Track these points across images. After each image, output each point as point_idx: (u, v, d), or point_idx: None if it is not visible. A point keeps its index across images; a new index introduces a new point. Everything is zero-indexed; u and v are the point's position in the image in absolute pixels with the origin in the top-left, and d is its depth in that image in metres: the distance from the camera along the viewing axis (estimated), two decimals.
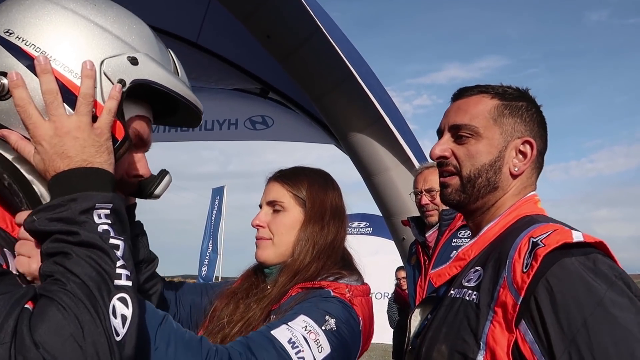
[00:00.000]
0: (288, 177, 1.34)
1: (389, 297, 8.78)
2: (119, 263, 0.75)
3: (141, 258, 1.14)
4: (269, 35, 4.22)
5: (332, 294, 1.16)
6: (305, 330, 1.05)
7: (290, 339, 1.02)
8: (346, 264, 1.29)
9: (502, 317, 0.88)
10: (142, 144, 0.99)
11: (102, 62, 0.85)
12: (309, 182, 1.32)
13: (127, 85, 0.86)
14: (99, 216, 0.78)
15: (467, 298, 0.96)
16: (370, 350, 10.30)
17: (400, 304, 6.31)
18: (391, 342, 6.53)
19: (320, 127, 5.75)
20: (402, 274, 6.09)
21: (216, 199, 15.42)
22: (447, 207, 2.73)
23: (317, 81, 4.39)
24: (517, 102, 1.09)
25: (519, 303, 0.86)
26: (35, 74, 0.80)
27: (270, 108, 6.28)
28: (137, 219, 1.16)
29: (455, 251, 2.64)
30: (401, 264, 5.88)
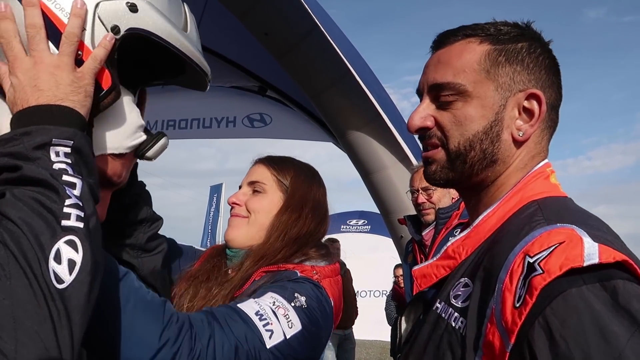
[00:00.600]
0: (275, 162, 1.31)
1: (387, 294, 8.80)
2: (69, 201, 0.66)
3: (143, 217, 1.14)
4: (267, 33, 4.22)
5: (299, 274, 1.12)
6: (274, 305, 0.99)
7: (258, 311, 0.96)
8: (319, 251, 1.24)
9: None
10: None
11: (97, 5, 0.80)
12: (295, 171, 1.29)
13: (122, 32, 0.81)
14: (57, 154, 0.70)
15: (453, 324, 0.75)
16: (368, 348, 10.34)
17: (398, 302, 6.33)
18: (389, 340, 6.54)
19: (318, 125, 5.75)
20: (400, 271, 6.10)
21: (214, 196, 15.43)
22: (444, 206, 2.76)
23: (315, 79, 4.39)
24: (515, 43, 0.84)
25: (509, 351, 0.64)
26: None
27: (268, 106, 6.27)
28: (139, 180, 1.14)
29: None
30: (399, 261, 5.89)
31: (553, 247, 0.64)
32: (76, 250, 0.64)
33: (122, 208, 1.09)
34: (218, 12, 4.50)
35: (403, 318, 1.00)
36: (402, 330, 0.98)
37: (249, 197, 1.27)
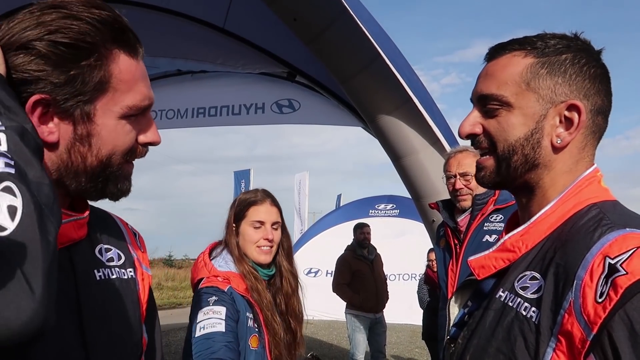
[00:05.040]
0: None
1: (417, 278, 8.78)
2: None
3: None
4: (296, 18, 4.20)
5: None
6: None
7: None
8: None
9: (567, 348, 0.75)
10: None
11: None
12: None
13: None
14: None
15: (524, 312, 0.82)
16: (398, 331, 10.38)
17: (430, 286, 6.32)
18: (419, 323, 6.56)
19: (347, 110, 5.73)
20: (433, 255, 6.08)
21: (242, 182, 15.61)
22: (481, 192, 2.72)
23: (345, 63, 4.35)
24: (559, 55, 0.89)
25: (590, 339, 0.72)
26: None
27: (297, 91, 6.28)
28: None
29: (487, 236, 2.63)
30: (429, 245, 5.86)
31: (632, 251, 0.73)
32: (14, 195, 0.59)
33: None
34: None
35: (451, 302, 1.05)
36: (452, 315, 1.02)
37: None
